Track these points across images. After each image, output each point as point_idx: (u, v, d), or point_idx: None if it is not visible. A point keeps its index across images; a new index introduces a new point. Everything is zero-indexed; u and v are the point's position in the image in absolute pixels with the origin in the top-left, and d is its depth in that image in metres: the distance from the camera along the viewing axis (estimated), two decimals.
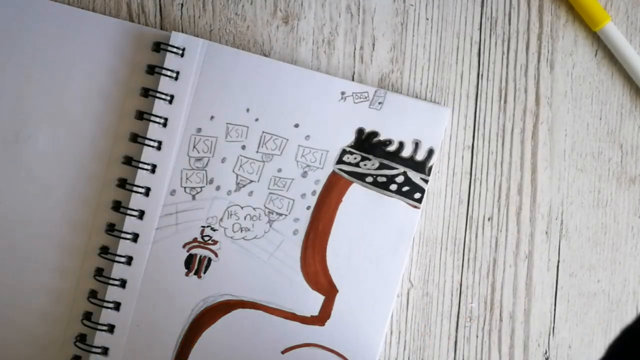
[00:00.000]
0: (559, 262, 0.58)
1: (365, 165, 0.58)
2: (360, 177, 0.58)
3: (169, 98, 0.58)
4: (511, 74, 0.58)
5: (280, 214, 0.58)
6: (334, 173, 0.58)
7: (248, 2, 0.59)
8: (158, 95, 0.57)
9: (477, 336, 0.58)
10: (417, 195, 0.57)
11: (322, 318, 0.58)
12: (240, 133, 0.58)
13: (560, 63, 0.58)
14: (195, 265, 0.58)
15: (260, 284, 0.58)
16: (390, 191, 0.57)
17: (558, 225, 0.58)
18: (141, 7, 0.59)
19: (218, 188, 0.58)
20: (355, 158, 0.58)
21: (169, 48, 0.58)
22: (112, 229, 0.58)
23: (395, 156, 0.57)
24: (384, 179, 0.58)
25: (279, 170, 0.58)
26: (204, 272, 0.58)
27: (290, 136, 0.58)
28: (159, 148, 0.58)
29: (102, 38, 0.59)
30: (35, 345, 0.58)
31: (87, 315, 0.58)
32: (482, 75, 0.58)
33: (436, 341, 0.58)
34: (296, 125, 0.58)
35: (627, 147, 0.58)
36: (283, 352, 0.58)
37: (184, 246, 0.58)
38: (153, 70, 0.58)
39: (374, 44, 0.59)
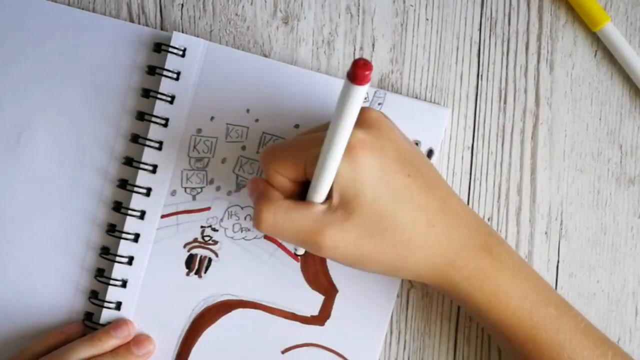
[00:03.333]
0: (558, 262, 0.58)
1: None
2: None
3: (169, 98, 0.58)
4: (511, 75, 0.58)
5: None
6: None
7: (248, 2, 0.59)
8: (159, 96, 0.58)
9: (476, 336, 0.58)
10: None
11: (322, 318, 0.58)
12: (241, 133, 0.58)
13: (559, 63, 0.58)
14: (195, 265, 0.58)
15: (261, 283, 0.58)
16: None
17: (557, 226, 0.58)
18: (141, 7, 0.59)
19: (218, 188, 0.58)
20: None
21: (170, 48, 0.58)
22: (112, 230, 0.58)
23: None
24: None
25: None
26: (205, 272, 0.58)
27: (290, 136, 0.58)
28: (159, 148, 0.58)
29: (102, 39, 0.59)
30: None
31: (89, 316, 0.58)
32: (481, 76, 0.59)
33: (436, 341, 0.58)
34: (296, 126, 0.58)
35: (627, 148, 0.58)
36: (283, 352, 0.58)
37: (184, 246, 0.58)
38: (154, 71, 0.58)
39: (373, 45, 0.59)
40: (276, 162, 0.49)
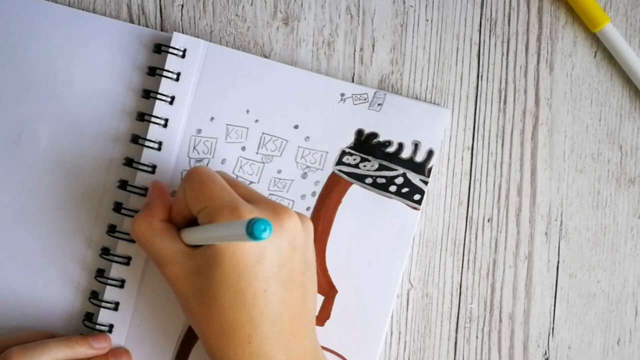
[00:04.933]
0: (558, 262, 0.58)
1: (364, 166, 0.58)
2: (360, 178, 0.58)
3: (169, 99, 0.58)
4: (511, 75, 0.58)
5: None
6: (333, 174, 0.58)
7: (248, 3, 0.59)
8: (159, 96, 0.58)
9: (476, 337, 0.58)
10: (416, 197, 0.58)
11: (321, 318, 0.58)
12: (240, 134, 0.58)
13: (559, 64, 0.58)
14: None
15: None
16: (390, 192, 0.58)
17: (558, 226, 0.58)
18: (141, 8, 0.59)
19: None
20: (354, 159, 0.58)
21: (170, 49, 0.58)
22: (113, 230, 0.58)
23: (395, 157, 0.58)
24: (384, 180, 0.58)
25: (279, 172, 0.58)
26: None
27: (290, 137, 0.58)
28: (159, 149, 0.58)
29: (102, 39, 0.59)
30: None
31: (89, 316, 0.58)
32: (481, 77, 0.59)
33: (436, 342, 0.58)
34: (296, 127, 0.58)
35: (627, 148, 0.58)
36: None
37: None
38: (154, 71, 0.58)
39: (373, 46, 0.59)
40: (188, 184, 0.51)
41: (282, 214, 0.49)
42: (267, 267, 0.49)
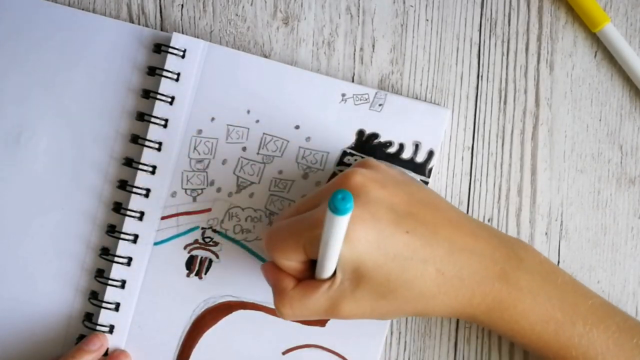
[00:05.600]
0: (558, 262, 0.58)
1: None
2: None
3: (169, 99, 0.58)
4: (511, 75, 0.58)
5: None
6: (334, 175, 0.58)
7: (248, 3, 0.59)
8: (159, 96, 0.58)
9: (477, 337, 0.58)
10: None
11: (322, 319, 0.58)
12: (241, 134, 0.58)
13: (559, 64, 0.58)
14: (196, 266, 0.58)
15: (261, 285, 0.58)
16: None
17: (558, 226, 0.58)
18: (141, 8, 0.59)
19: (219, 190, 0.58)
20: (355, 159, 0.58)
21: (170, 49, 0.58)
22: (112, 230, 0.58)
23: (396, 158, 0.58)
24: None
25: (280, 172, 0.58)
26: (205, 273, 0.58)
27: (291, 138, 0.58)
28: (159, 149, 0.58)
29: (102, 39, 0.59)
30: (37, 347, 0.59)
31: (88, 317, 0.58)
32: (481, 77, 0.59)
33: (436, 342, 0.58)
34: (297, 127, 0.58)
35: (627, 148, 0.58)
36: (284, 353, 0.58)
37: (185, 247, 0.58)
38: (154, 71, 0.58)
39: (374, 46, 0.59)
40: (278, 251, 0.50)
41: (346, 178, 0.49)
42: (387, 217, 0.48)
